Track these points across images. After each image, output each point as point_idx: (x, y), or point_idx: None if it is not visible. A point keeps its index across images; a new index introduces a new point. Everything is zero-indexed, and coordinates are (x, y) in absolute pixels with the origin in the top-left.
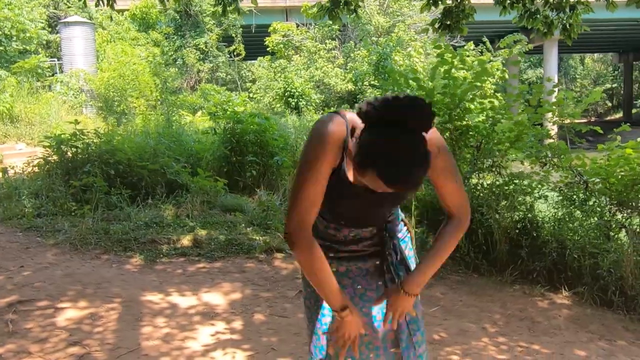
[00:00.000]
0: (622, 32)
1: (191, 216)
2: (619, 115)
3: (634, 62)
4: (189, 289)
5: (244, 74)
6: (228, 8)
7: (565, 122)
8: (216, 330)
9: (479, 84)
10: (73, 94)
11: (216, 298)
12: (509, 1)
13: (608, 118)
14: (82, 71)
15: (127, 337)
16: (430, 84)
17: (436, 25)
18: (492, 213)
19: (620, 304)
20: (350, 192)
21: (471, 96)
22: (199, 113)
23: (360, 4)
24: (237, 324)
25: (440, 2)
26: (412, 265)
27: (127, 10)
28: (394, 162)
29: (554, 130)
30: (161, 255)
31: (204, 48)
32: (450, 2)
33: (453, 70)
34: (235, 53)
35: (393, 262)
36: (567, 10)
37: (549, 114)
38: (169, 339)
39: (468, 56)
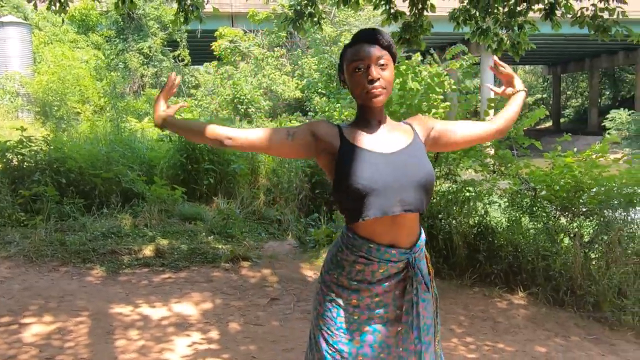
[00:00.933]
0: (551, 46)
1: (150, 225)
2: (549, 124)
3: (562, 75)
4: (158, 299)
5: (187, 80)
6: (190, 16)
7: (510, 133)
8: (192, 340)
9: (433, 94)
10: (9, 98)
11: (188, 308)
12: (462, 18)
13: (539, 127)
14: (17, 74)
15: (101, 350)
16: None
17: (396, 39)
18: (450, 219)
19: (571, 302)
20: (367, 160)
21: (426, 106)
22: (146, 119)
23: (324, 15)
24: (213, 334)
25: (399, 17)
26: (427, 334)
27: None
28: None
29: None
30: (123, 266)
31: (147, 52)
32: (409, 17)
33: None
34: (179, 58)
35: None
36: (516, 28)
37: None
38: (146, 351)
39: (418, 67)
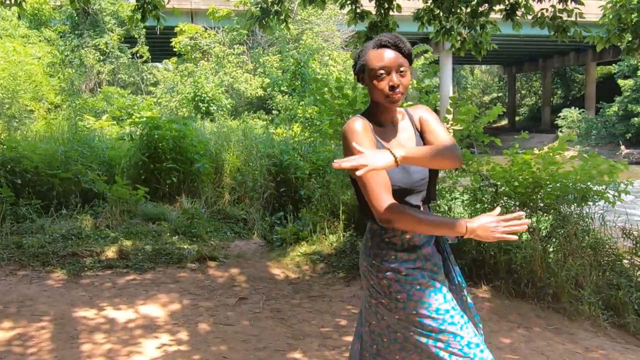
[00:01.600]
0: (507, 47)
1: (111, 226)
2: (504, 122)
3: (517, 74)
4: (123, 302)
5: (145, 77)
6: (148, 15)
7: (471, 131)
8: (161, 342)
9: None
10: None
11: (154, 310)
12: (426, 17)
13: (495, 125)
14: None
15: (66, 356)
16: (352, 93)
17: (362, 39)
18: None
19: (532, 294)
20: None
21: None
22: (104, 117)
23: (291, 14)
24: (183, 335)
25: (365, 17)
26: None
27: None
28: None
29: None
30: (85, 269)
31: (104, 49)
32: (375, 17)
33: None
34: (138, 55)
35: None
36: (478, 28)
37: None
38: (113, 355)
39: None
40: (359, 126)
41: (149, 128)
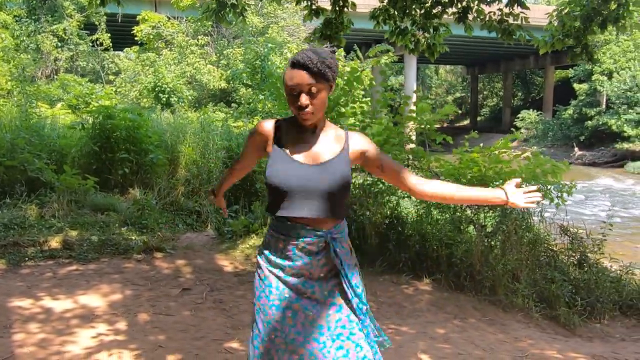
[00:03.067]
0: (469, 48)
1: (58, 216)
2: (466, 122)
3: (479, 75)
4: (62, 292)
5: (107, 65)
6: None
7: (424, 129)
8: (98, 332)
9: (350, 90)
10: None
11: (94, 300)
12: (382, 17)
13: (458, 124)
14: None
15: None
16: None
17: (317, 35)
18: (363, 210)
19: (470, 287)
20: (287, 167)
21: (345, 101)
22: (59, 105)
23: (247, 8)
24: (121, 325)
25: (321, 13)
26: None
27: None
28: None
29: (413, 135)
30: (26, 259)
31: (62, 35)
32: (330, 14)
33: None
34: (98, 42)
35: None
36: (431, 30)
37: (410, 122)
38: (46, 344)
39: (342, 63)
40: (261, 126)
41: (102, 117)
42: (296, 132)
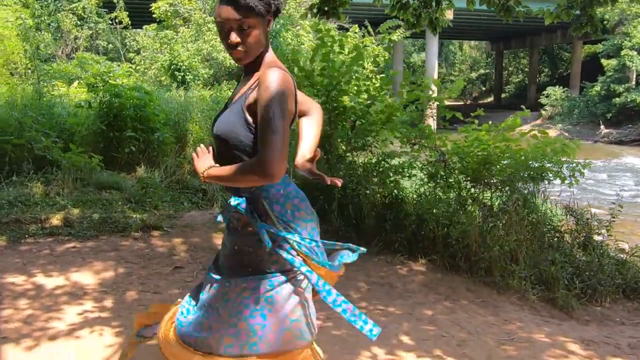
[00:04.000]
0: (494, 23)
1: (62, 194)
2: (490, 99)
3: (504, 51)
4: (56, 269)
5: (128, 43)
6: None
7: (433, 106)
8: (84, 309)
9: (355, 67)
10: None
11: (86, 277)
12: None
13: (481, 101)
14: None
15: None
16: (310, 65)
17: (314, 10)
18: (363, 189)
19: (466, 268)
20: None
21: (348, 78)
22: (75, 84)
23: None
24: (108, 302)
25: None
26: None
27: None
28: None
29: (432, 113)
30: (27, 236)
31: (81, 13)
32: None
33: (332, 53)
34: (117, 20)
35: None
36: (434, 4)
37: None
38: (31, 320)
39: (354, 39)
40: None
41: (109, 95)
42: (243, 75)
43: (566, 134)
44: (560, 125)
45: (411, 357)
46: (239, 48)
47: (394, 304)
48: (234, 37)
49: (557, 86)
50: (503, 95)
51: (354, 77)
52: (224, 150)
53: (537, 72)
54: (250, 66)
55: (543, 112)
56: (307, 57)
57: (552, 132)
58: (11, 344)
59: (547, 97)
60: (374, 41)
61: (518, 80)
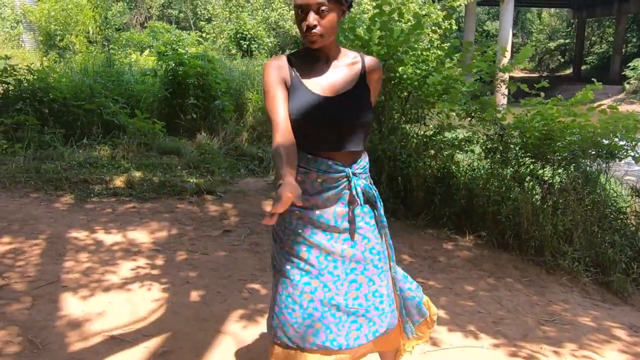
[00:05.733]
0: None
1: (127, 158)
2: (569, 71)
3: (588, 19)
4: (115, 227)
5: (199, 12)
6: None
7: (504, 77)
8: (137, 265)
9: (413, 37)
10: (10, 25)
11: (142, 236)
12: None
13: (559, 73)
14: (18, 1)
15: (48, 270)
16: (367, 35)
17: None
18: (414, 162)
19: (515, 246)
20: (310, 101)
21: (406, 48)
22: (146, 52)
23: None
24: (159, 261)
25: None
26: (379, 259)
27: None
28: None
29: (499, 85)
30: (92, 195)
31: None
32: None
33: (392, 22)
34: None
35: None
36: None
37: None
38: (89, 272)
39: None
40: (270, 64)
41: (174, 64)
42: (310, 63)
43: (607, 109)
44: None
45: (443, 330)
46: (316, 30)
47: (435, 277)
48: (312, 20)
49: None
50: (583, 67)
51: (412, 46)
52: (361, 129)
53: (623, 43)
54: (324, 51)
55: (627, 85)
56: (366, 24)
57: (637, 108)
58: (69, 292)
59: (632, 69)
60: (438, 8)
61: (601, 51)
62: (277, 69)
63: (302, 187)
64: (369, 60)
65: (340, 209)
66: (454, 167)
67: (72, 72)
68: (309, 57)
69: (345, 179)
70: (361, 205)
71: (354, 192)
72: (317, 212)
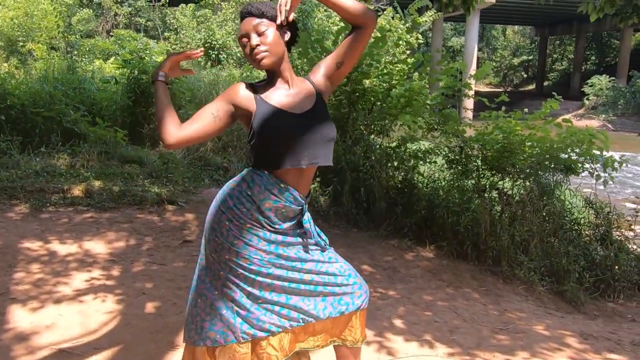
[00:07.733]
0: (540, 7)
1: (86, 166)
2: (531, 87)
3: (549, 37)
4: (71, 237)
5: (168, 21)
6: None
7: (469, 93)
8: (91, 276)
9: (375, 50)
10: None
11: (98, 247)
12: None
13: (522, 89)
14: None
15: None
16: (334, 47)
17: None
18: (377, 173)
19: (473, 256)
20: (281, 119)
21: (369, 61)
22: (112, 60)
23: None
24: (115, 271)
25: None
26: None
27: None
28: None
29: (470, 97)
30: (48, 204)
31: None
32: None
33: None
34: None
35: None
36: None
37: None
38: (41, 283)
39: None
40: (233, 87)
41: (136, 72)
42: (272, 86)
43: (609, 125)
44: (603, 115)
45: (399, 340)
46: (261, 47)
47: (394, 287)
48: (254, 40)
49: (604, 75)
50: (545, 83)
51: (377, 59)
52: (331, 149)
53: (582, 60)
54: (283, 75)
55: (586, 101)
56: (334, 37)
57: (595, 123)
58: (18, 305)
59: (591, 86)
60: (404, 23)
61: (562, 68)
62: (235, 91)
63: (269, 213)
64: (313, 78)
65: (292, 239)
66: (416, 177)
67: (32, 78)
68: (270, 83)
69: (300, 212)
70: (311, 237)
71: (307, 225)
72: (280, 237)
